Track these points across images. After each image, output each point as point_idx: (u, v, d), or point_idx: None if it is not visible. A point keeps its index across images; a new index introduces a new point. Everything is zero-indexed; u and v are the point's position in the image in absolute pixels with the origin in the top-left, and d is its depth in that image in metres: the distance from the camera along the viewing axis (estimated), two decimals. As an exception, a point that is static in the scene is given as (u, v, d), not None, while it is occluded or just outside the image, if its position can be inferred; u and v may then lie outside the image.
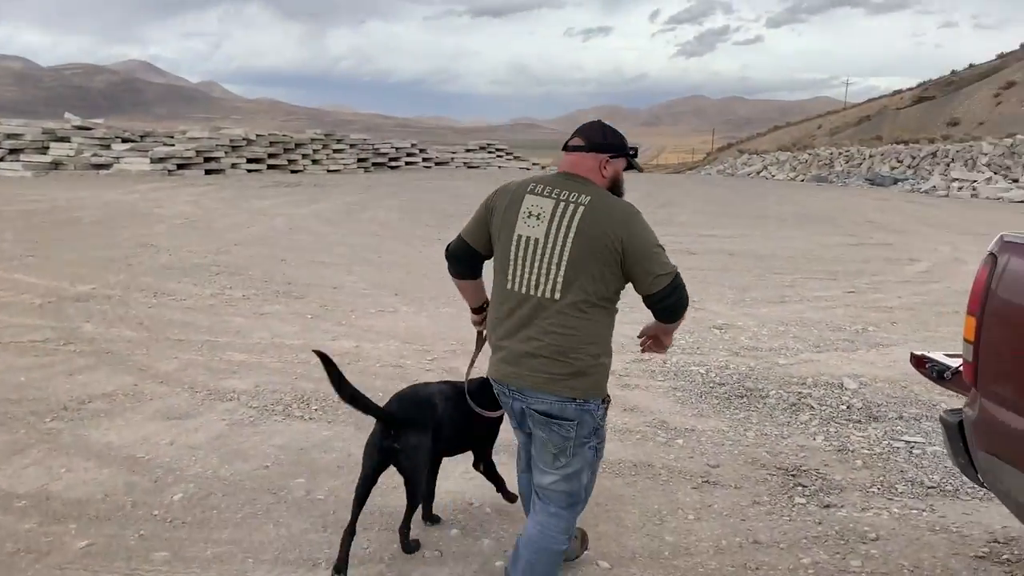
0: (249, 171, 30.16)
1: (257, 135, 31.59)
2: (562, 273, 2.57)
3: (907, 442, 4.96)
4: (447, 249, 2.94)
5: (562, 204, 2.59)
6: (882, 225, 19.14)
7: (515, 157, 46.69)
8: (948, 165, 35.73)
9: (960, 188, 31.86)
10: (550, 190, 2.64)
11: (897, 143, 46.41)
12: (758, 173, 49.51)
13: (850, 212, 22.58)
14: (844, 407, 5.61)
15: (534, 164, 46.73)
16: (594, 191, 2.62)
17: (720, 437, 5.00)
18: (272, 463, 4.36)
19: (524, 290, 2.63)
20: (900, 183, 36.14)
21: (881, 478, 4.42)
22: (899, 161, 40.15)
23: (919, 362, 3.11)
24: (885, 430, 5.17)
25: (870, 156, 43.28)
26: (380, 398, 3.42)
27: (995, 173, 32.37)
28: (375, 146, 38.02)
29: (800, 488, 4.25)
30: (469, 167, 42.39)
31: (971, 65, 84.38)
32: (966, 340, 2.47)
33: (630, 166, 2.79)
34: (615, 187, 2.73)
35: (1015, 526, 3.81)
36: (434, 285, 9.61)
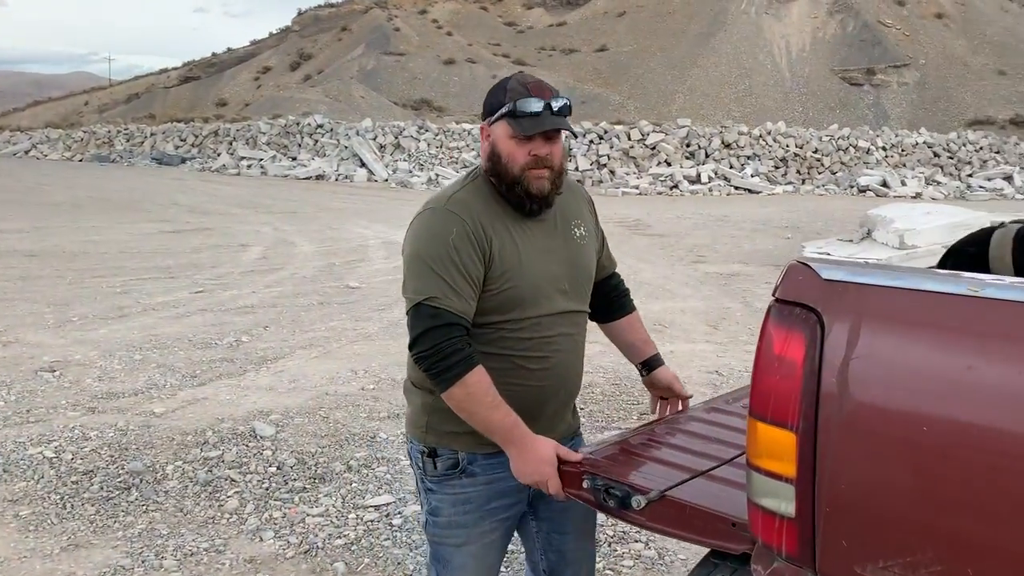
0: None
1: None
2: None
3: (378, 508, 3.78)
4: None
5: None
6: (192, 208, 17.86)
7: None
8: (232, 143, 36.17)
9: (249, 166, 32.47)
10: None
11: (174, 121, 45.52)
12: (27, 152, 43.50)
13: (152, 195, 20.74)
14: (274, 468, 4.17)
15: None
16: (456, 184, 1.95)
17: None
18: None
19: None
20: (189, 162, 35.36)
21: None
22: (182, 140, 39.25)
23: (571, 480, 1.78)
24: (342, 495, 3.91)
25: (152, 135, 41.43)
26: None
27: (277, 151, 33.88)
28: None
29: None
30: None
31: (229, 49, 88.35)
32: (771, 475, 1.30)
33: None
34: (492, 163, 1.88)
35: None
36: None
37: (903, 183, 29.00)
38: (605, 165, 29.46)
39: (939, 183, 30.42)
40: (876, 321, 1.24)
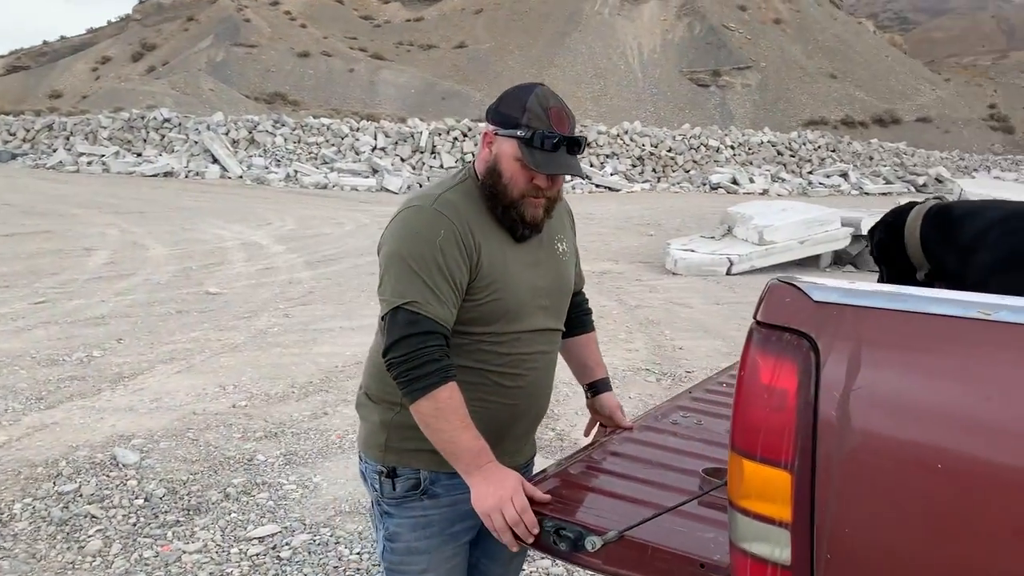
0: None
1: None
2: None
3: (262, 540, 3.47)
4: None
5: None
6: (26, 208, 16.44)
7: None
8: (69, 139, 33.66)
9: (90, 163, 30.28)
10: None
11: (2, 114, 41.97)
12: None
13: (-21, 194, 18.97)
14: (142, 501, 3.77)
15: None
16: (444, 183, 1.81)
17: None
18: None
19: None
20: (20, 158, 32.65)
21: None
22: (11, 134, 36.13)
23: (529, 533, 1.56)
24: (220, 527, 3.57)
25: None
26: None
27: (120, 147, 31.82)
28: None
29: None
30: None
31: (63, 37, 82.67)
32: (761, 519, 1.16)
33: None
34: (491, 178, 1.74)
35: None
36: None
37: (751, 180, 30.45)
38: (470, 162, 29.42)
39: (784, 180, 32.15)
40: (878, 348, 1.13)
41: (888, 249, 2.23)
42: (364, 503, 3.79)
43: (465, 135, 30.18)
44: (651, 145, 32.39)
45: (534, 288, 1.81)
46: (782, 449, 1.16)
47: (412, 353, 1.62)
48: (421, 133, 30.03)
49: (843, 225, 11.60)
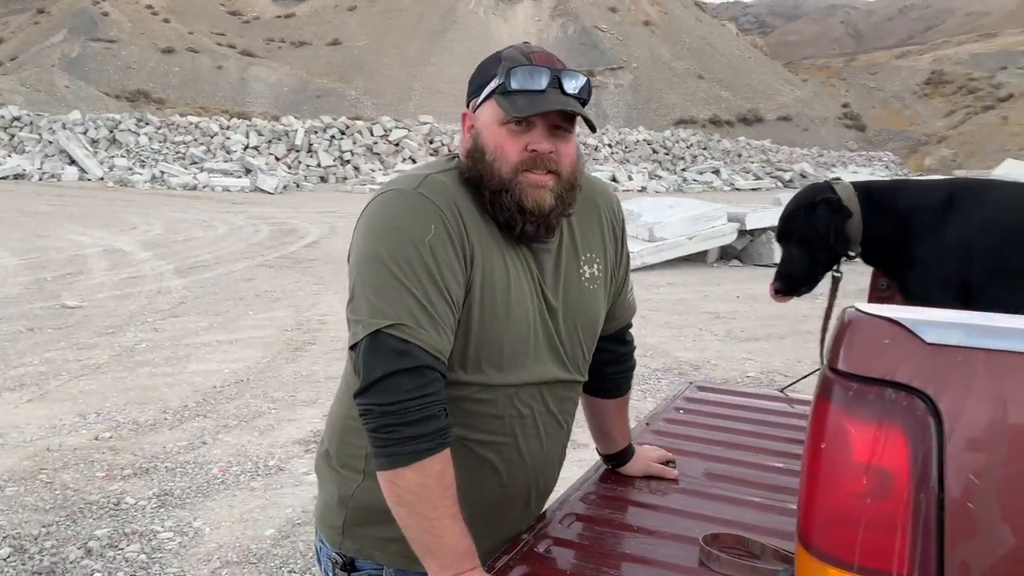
0: None
1: None
2: None
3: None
4: None
5: None
6: None
7: None
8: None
9: (-75, 164, 27.70)
10: None
11: None
12: None
13: None
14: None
15: None
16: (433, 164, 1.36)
17: None
18: None
19: None
20: None
21: None
22: None
23: None
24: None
25: None
26: None
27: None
28: None
29: None
30: None
31: None
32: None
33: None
34: (473, 159, 1.29)
35: None
36: None
37: (630, 178, 30.94)
38: (349, 161, 28.64)
39: (660, 177, 32.84)
40: (1028, 408, 0.81)
41: (813, 230, 2.21)
42: (255, 549, 3.31)
43: (343, 133, 29.37)
44: (532, 143, 32.43)
45: (542, 321, 1.35)
46: (893, 555, 0.83)
47: (405, 403, 1.17)
48: (296, 131, 29.01)
49: (729, 220, 11.72)
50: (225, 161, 27.46)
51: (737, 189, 32.59)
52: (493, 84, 1.29)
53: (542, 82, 1.26)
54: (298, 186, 25.87)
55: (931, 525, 0.82)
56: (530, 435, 1.38)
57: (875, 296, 2.45)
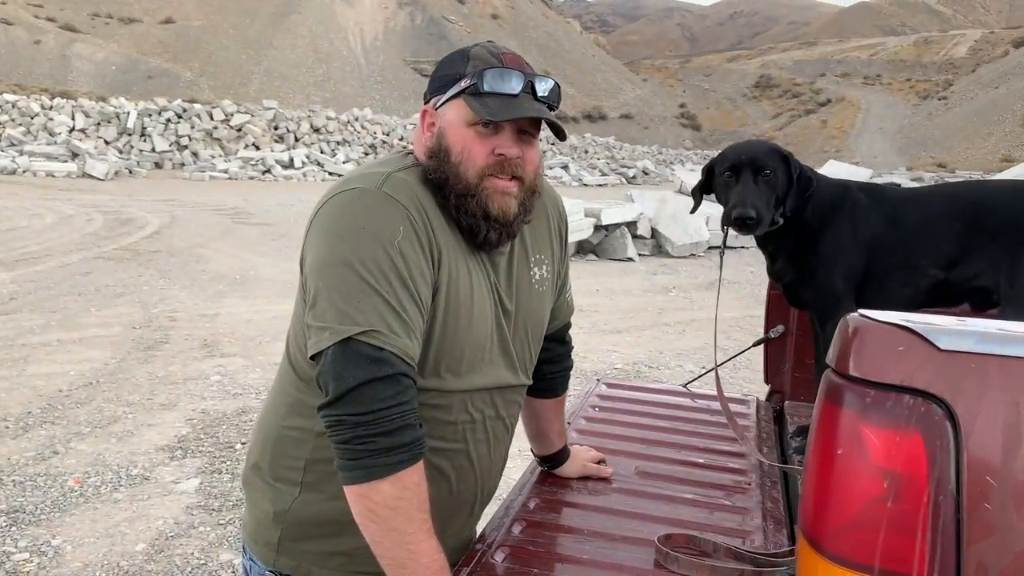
0: None
1: None
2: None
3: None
4: None
5: None
6: None
7: None
8: None
9: None
10: None
11: None
12: None
13: None
14: None
15: None
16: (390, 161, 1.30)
17: None
18: None
19: None
20: None
21: None
22: None
23: None
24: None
25: None
26: None
27: None
28: None
29: None
30: None
31: None
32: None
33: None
34: (437, 161, 1.24)
35: None
36: None
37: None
38: (186, 147, 27.21)
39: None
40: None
41: (787, 176, 2.08)
42: (126, 567, 3.07)
43: (180, 116, 27.84)
44: (383, 133, 32.01)
45: (497, 325, 1.33)
46: (913, 556, 0.85)
47: (381, 412, 1.10)
48: (128, 114, 27.25)
49: (585, 216, 11.98)
50: (48, 144, 25.38)
51: (585, 185, 33.48)
52: (463, 83, 1.24)
53: (515, 86, 1.24)
54: (131, 172, 24.30)
55: (949, 526, 0.84)
56: (479, 440, 1.35)
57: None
